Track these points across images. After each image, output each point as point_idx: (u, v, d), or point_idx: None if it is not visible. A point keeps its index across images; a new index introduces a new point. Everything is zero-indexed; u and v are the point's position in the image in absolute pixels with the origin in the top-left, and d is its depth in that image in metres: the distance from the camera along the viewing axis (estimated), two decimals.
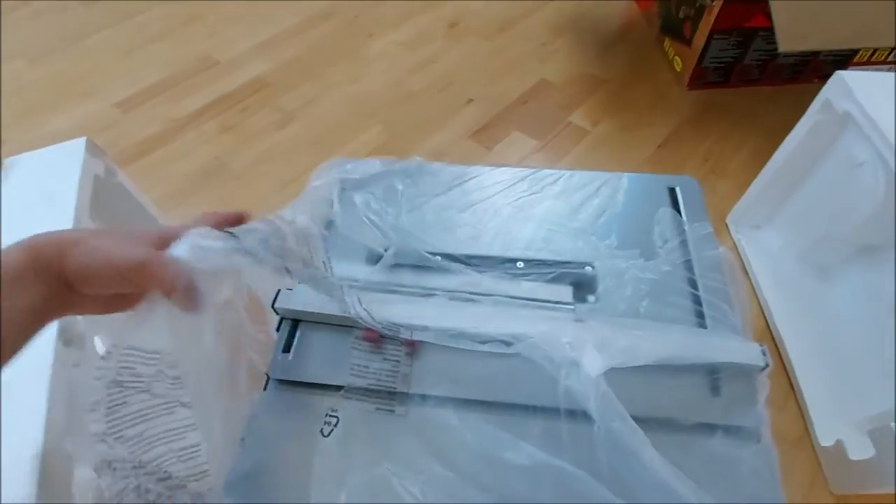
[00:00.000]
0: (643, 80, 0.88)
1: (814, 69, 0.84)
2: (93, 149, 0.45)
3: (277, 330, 0.37)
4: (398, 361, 0.35)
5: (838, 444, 0.48)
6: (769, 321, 0.59)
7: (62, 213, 0.41)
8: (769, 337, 0.58)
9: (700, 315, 0.38)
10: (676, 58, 0.87)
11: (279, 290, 0.36)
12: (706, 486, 0.29)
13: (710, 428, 0.33)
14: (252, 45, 0.99)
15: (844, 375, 0.52)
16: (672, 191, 0.45)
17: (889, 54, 0.83)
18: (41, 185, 0.43)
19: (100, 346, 0.42)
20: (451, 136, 0.81)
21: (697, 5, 0.78)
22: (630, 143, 0.78)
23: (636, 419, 0.30)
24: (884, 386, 0.48)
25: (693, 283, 0.40)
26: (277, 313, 0.37)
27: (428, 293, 0.39)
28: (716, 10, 0.74)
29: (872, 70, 0.86)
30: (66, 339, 0.34)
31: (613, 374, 0.32)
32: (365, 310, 0.34)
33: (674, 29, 0.87)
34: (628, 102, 0.84)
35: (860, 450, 0.45)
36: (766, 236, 0.64)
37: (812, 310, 0.58)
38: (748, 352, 0.34)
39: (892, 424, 0.42)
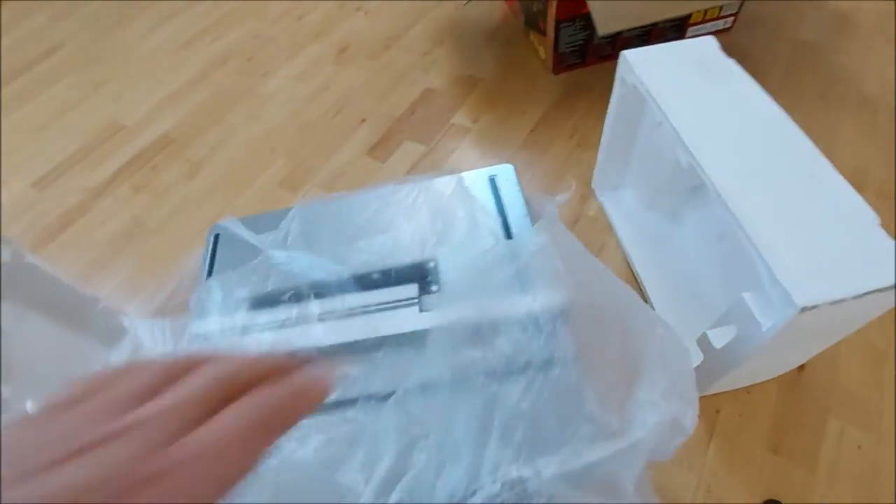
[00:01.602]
0: (515, 73, 0.97)
1: (657, 35, 0.94)
2: None
3: None
4: None
5: None
6: (631, 266, 0.68)
7: None
8: (633, 279, 0.68)
9: (525, 286, 0.47)
10: (540, 48, 0.96)
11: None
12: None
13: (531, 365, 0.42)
14: (155, 102, 1.04)
15: (689, 300, 0.62)
16: (493, 179, 0.53)
17: (720, 10, 0.94)
18: None
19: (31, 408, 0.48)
20: (349, 156, 0.88)
21: (542, 0, 0.88)
22: (506, 133, 0.87)
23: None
24: (715, 303, 0.58)
25: (515, 259, 0.48)
26: None
27: (296, 323, 0.46)
28: (555, 3, 0.83)
29: (709, 25, 0.97)
30: None
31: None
32: None
33: (533, 22, 0.96)
34: (503, 96, 0.93)
35: (695, 358, 0.55)
36: (623, 194, 0.74)
37: (663, 249, 0.67)
38: (552, 296, 0.43)
39: (707, 331, 0.51)
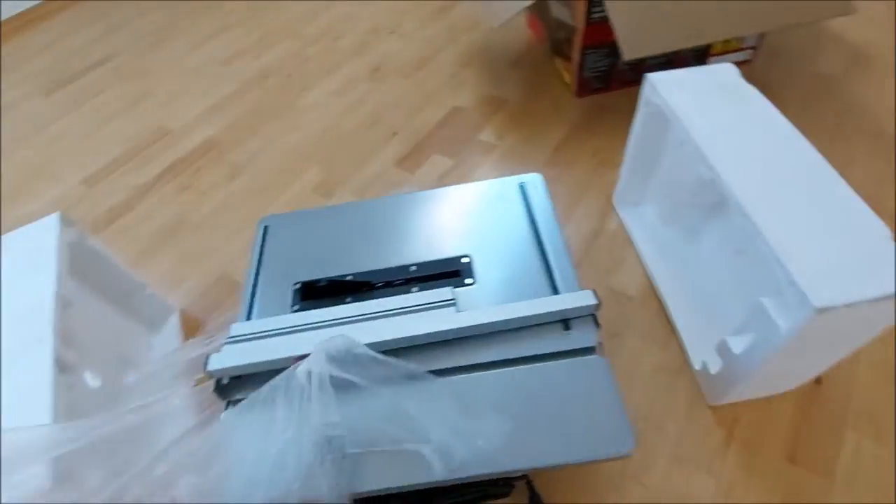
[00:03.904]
0: (539, 95, 1.01)
1: (679, 63, 0.97)
2: (65, 220, 0.56)
3: (214, 391, 0.44)
4: None
5: (704, 365, 0.59)
6: (651, 279, 0.71)
7: (46, 279, 0.51)
8: (653, 293, 0.70)
9: (553, 283, 0.50)
10: (565, 72, 1.01)
11: (208, 355, 0.45)
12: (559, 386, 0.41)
13: (562, 353, 0.45)
14: (199, 112, 1.10)
15: (708, 312, 0.64)
16: (522, 186, 0.57)
17: (741, 42, 0.99)
18: (25, 257, 0.53)
19: (90, 378, 0.52)
20: (380, 166, 0.93)
21: (569, 28, 0.93)
22: (531, 150, 0.91)
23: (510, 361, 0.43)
24: (731, 313, 0.60)
25: (545, 260, 0.51)
26: (211, 375, 0.44)
27: (338, 323, 0.47)
28: (582, 31, 0.89)
29: (730, 56, 1.01)
30: (62, 367, 0.44)
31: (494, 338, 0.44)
32: None
33: (559, 49, 1.02)
34: (527, 116, 0.98)
35: (715, 365, 0.57)
36: (643, 210, 0.77)
37: (683, 264, 0.70)
38: (583, 297, 0.46)
39: (727, 338, 0.53)
